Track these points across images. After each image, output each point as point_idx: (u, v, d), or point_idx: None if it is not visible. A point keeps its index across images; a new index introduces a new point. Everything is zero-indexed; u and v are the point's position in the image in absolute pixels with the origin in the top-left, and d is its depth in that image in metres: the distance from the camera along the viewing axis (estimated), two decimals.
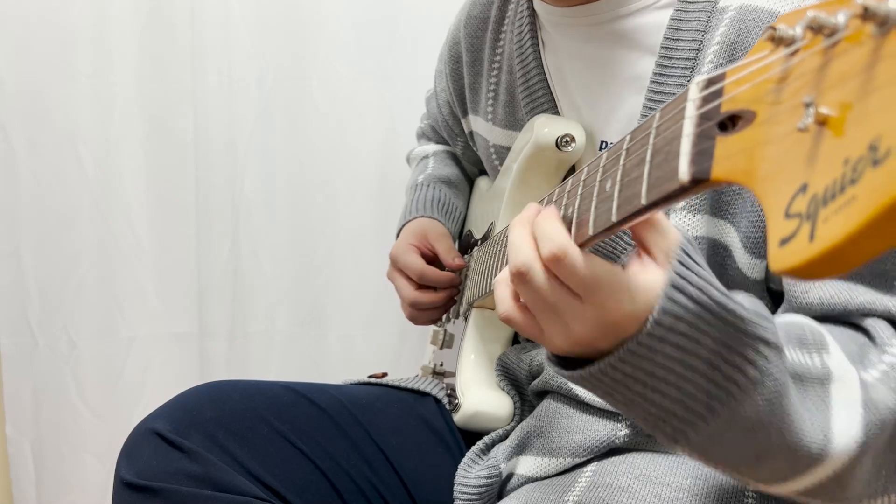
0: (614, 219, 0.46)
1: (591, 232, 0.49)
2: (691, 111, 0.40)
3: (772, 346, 0.50)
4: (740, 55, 0.69)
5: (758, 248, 0.69)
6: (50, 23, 1.38)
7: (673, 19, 0.73)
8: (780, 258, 0.32)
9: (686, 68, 0.72)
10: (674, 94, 0.72)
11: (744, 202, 0.69)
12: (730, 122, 0.38)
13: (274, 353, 1.51)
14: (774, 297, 0.73)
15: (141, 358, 1.48)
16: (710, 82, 0.40)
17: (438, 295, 0.99)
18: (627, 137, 0.48)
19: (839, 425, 0.54)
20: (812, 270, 0.31)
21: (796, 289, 0.65)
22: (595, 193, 0.50)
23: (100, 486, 1.47)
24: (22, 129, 1.41)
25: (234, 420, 0.83)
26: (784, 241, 0.32)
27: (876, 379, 0.58)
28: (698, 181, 0.39)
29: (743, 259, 0.70)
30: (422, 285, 1.00)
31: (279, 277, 1.49)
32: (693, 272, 0.48)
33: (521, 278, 0.51)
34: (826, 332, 0.60)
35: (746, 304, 0.50)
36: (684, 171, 0.39)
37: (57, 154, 1.42)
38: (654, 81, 0.74)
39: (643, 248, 0.50)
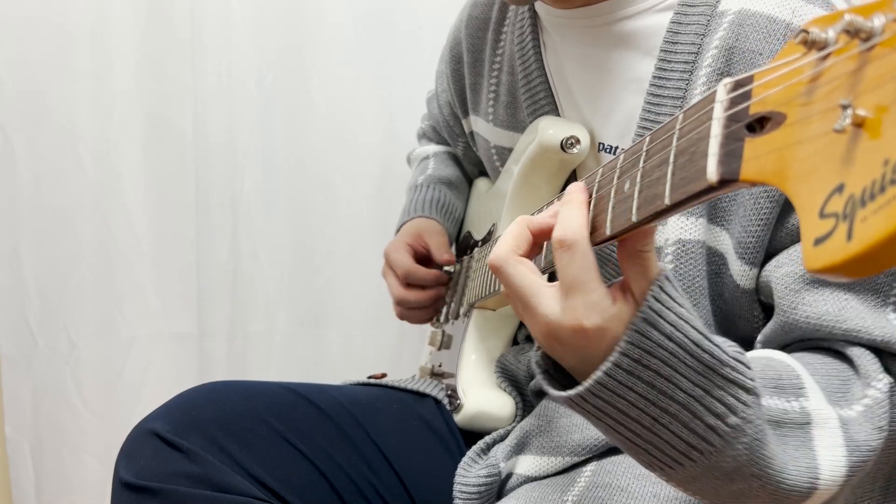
0: (634, 219, 0.46)
1: (608, 232, 0.49)
2: (719, 113, 0.40)
3: (751, 393, 0.50)
4: (738, 59, 0.70)
5: (749, 254, 0.69)
6: (50, 23, 1.38)
7: (673, 22, 0.74)
8: (816, 257, 0.32)
9: (685, 71, 0.72)
10: (673, 96, 0.73)
11: (737, 207, 0.70)
12: (758, 124, 0.39)
13: (274, 353, 1.51)
14: (766, 312, 0.73)
15: (141, 358, 1.48)
16: (739, 84, 0.40)
17: (425, 293, 1.00)
18: (647, 139, 0.48)
19: (826, 467, 0.55)
20: (849, 269, 0.31)
21: (786, 303, 0.66)
22: (612, 194, 0.50)
23: (99, 487, 1.47)
24: (22, 129, 1.41)
25: (233, 420, 0.83)
26: (819, 241, 0.32)
27: (859, 414, 0.59)
28: (726, 181, 0.39)
29: (735, 266, 0.71)
30: (410, 284, 1.00)
31: (279, 277, 1.49)
32: (668, 308, 0.48)
33: (493, 269, 0.53)
34: (804, 370, 0.60)
35: (726, 347, 0.50)
36: (713, 172, 0.39)
37: (57, 154, 1.42)
38: (653, 84, 0.74)
39: (626, 281, 0.50)
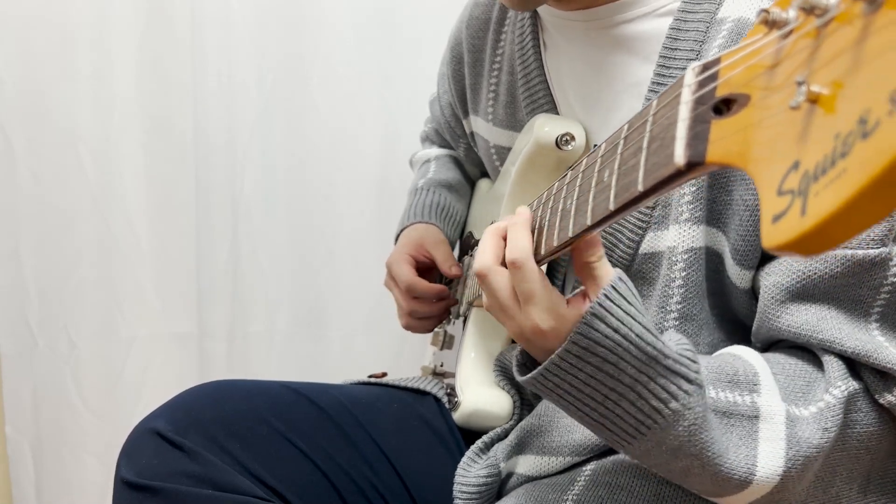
0: (612, 207, 0.47)
1: (588, 222, 0.50)
2: (687, 96, 0.40)
3: (693, 383, 0.58)
4: None
5: (744, 259, 0.70)
6: (50, 23, 1.38)
7: (672, 28, 0.74)
8: (773, 235, 0.32)
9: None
10: None
11: (733, 214, 0.70)
12: (724, 106, 0.38)
13: (274, 353, 1.51)
14: None
15: (141, 358, 1.48)
16: (706, 67, 0.40)
17: (433, 306, 1.00)
18: (625, 126, 0.48)
19: (764, 458, 0.61)
20: (804, 245, 0.31)
21: (770, 311, 0.68)
22: (594, 184, 0.50)
23: (100, 486, 1.47)
24: (22, 129, 1.41)
25: (234, 420, 0.83)
26: (776, 218, 0.32)
27: (811, 414, 0.63)
28: (694, 164, 0.39)
29: (732, 268, 0.71)
30: (414, 297, 1.00)
31: (279, 277, 1.49)
32: (618, 305, 0.56)
33: (479, 277, 0.62)
34: (765, 369, 0.65)
35: (674, 344, 0.58)
36: (679, 156, 0.39)
37: (57, 154, 1.42)
38: (651, 89, 0.75)
39: (585, 289, 0.59)
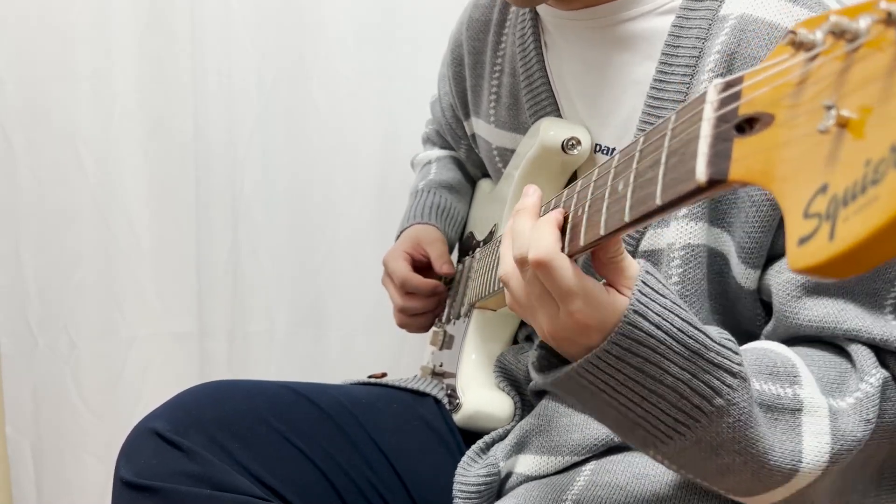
0: (627, 219, 0.47)
1: (601, 232, 0.50)
2: (709, 113, 0.40)
3: (737, 377, 0.54)
4: (739, 64, 0.70)
5: (750, 257, 0.70)
6: (50, 23, 1.38)
7: (674, 26, 0.74)
8: (800, 257, 0.32)
9: (686, 75, 0.73)
10: (673, 100, 0.73)
11: (738, 211, 0.70)
12: (747, 125, 0.39)
13: (274, 353, 1.51)
14: (768, 309, 0.73)
15: (141, 358, 1.48)
16: (728, 85, 0.40)
17: (425, 301, 1.01)
18: (641, 139, 0.48)
19: (809, 451, 0.59)
20: (831, 269, 0.31)
21: (787, 309, 0.67)
22: (607, 194, 0.50)
23: (99, 486, 1.47)
24: (22, 129, 1.41)
25: (233, 420, 0.83)
26: (803, 241, 0.32)
27: (849, 406, 0.61)
28: (715, 182, 0.39)
29: (737, 268, 0.71)
30: (408, 292, 1.00)
31: (279, 277, 1.49)
32: (654, 301, 0.53)
33: (521, 266, 0.56)
34: (800, 361, 0.63)
35: (714, 334, 0.55)
36: (701, 172, 0.39)
37: (57, 154, 1.42)
38: (653, 87, 0.74)
39: (610, 284, 0.55)
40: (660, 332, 0.52)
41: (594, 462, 0.76)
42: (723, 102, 0.40)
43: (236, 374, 1.49)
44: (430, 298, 1.01)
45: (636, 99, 0.77)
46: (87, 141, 1.42)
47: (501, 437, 0.86)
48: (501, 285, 0.78)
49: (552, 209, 0.58)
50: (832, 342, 0.67)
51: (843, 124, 0.32)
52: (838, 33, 0.33)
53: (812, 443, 0.59)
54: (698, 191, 0.40)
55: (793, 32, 0.36)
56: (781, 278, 0.68)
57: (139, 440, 0.80)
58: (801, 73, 0.35)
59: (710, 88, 0.41)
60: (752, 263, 0.70)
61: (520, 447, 0.82)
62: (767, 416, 0.58)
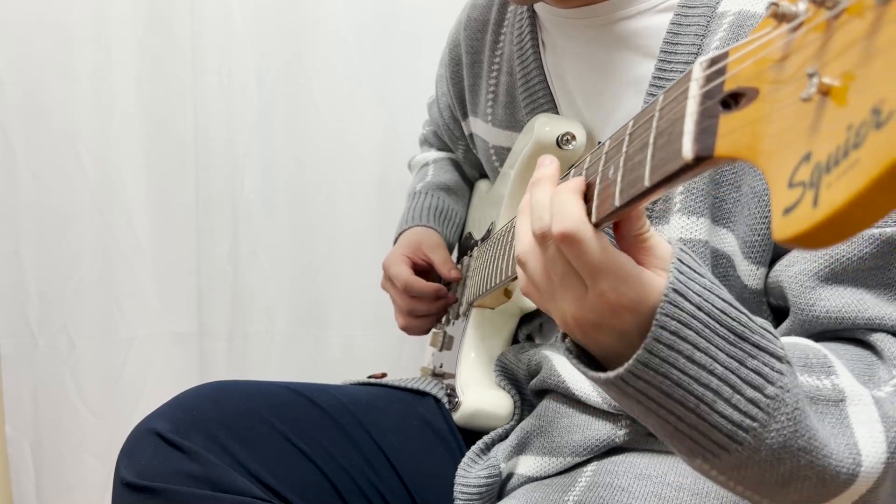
0: (617, 203, 0.46)
1: (594, 219, 0.48)
2: (694, 91, 0.40)
3: (783, 361, 0.49)
4: None
5: (755, 253, 0.69)
6: (50, 23, 1.38)
7: (673, 23, 0.74)
8: (785, 227, 0.32)
9: (685, 72, 0.72)
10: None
11: (742, 208, 0.70)
12: (733, 100, 0.38)
13: (274, 353, 1.51)
14: (775, 313, 0.73)
15: (141, 358, 1.48)
16: (714, 61, 0.40)
17: (430, 304, 1.00)
18: (630, 123, 0.48)
19: (866, 445, 0.53)
20: (817, 237, 0.30)
21: (802, 301, 0.65)
22: (598, 181, 0.49)
23: (100, 486, 1.47)
24: (22, 129, 1.41)
25: (234, 420, 0.83)
26: (788, 210, 0.32)
27: (888, 394, 0.58)
28: (702, 159, 0.39)
29: (742, 266, 0.71)
30: (412, 296, 1.00)
31: (279, 277, 1.49)
32: (692, 280, 0.48)
33: (542, 241, 0.50)
34: (829, 352, 0.60)
35: (752, 315, 0.50)
36: (688, 150, 0.39)
37: (57, 154, 1.42)
38: (652, 85, 0.74)
39: (640, 263, 0.49)
40: (702, 314, 0.47)
41: (595, 463, 0.76)
42: (708, 79, 0.40)
43: (236, 374, 1.49)
44: (433, 302, 1.01)
45: (636, 97, 0.77)
46: (87, 141, 1.42)
47: (502, 438, 0.86)
48: (500, 280, 0.78)
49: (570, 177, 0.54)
50: (852, 336, 0.65)
51: (825, 91, 0.32)
52: (819, 2, 0.33)
53: (865, 433, 0.54)
54: (686, 168, 0.39)
55: (775, 4, 0.35)
56: (792, 271, 0.67)
57: (140, 440, 0.80)
58: (783, 43, 0.35)
59: (696, 65, 0.41)
60: (757, 259, 0.69)
61: (521, 448, 0.82)
62: (812, 409, 0.53)
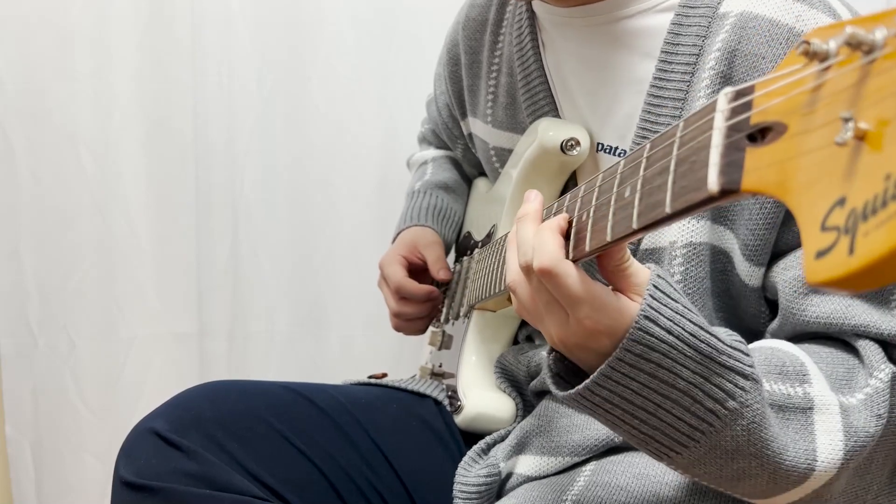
0: (635, 226, 0.47)
1: (608, 238, 0.50)
2: (720, 122, 0.40)
3: (749, 379, 0.54)
4: (740, 62, 0.70)
5: (755, 255, 0.69)
6: (50, 23, 1.38)
7: (674, 24, 0.74)
8: (818, 270, 0.32)
9: (686, 73, 0.72)
10: (674, 98, 0.73)
11: (742, 209, 0.70)
12: (759, 134, 0.38)
13: (274, 353, 1.51)
14: (772, 307, 0.73)
15: (141, 358, 1.48)
16: (739, 94, 0.40)
17: (419, 307, 1.01)
18: (647, 145, 0.48)
19: (823, 451, 0.59)
20: (851, 283, 0.31)
21: (794, 306, 0.67)
22: (613, 200, 0.50)
23: (99, 486, 1.47)
24: (22, 129, 1.41)
25: (233, 420, 0.83)
26: (821, 254, 0.32)
27: (860, 402, 0.62)
28: (727, 192, 0.39)
29: (742, 266, 0.71)
30: (403, 297, 1.00)
31: (279, 277, 1.49)
32: (665, 305, 0.52)
33: (527, 274, 0.56)
34: (808, 358, 0.63)
35: (724, 337, 0.54)
36: (713, 182, 0.39)
37: (57, 154, 1.42)
38: (653, 85, 0.74)
39: (620, 290, 0.54)
40: (671, 337, 0.52)
41: (594, 462, 0.76)
42: (734, 111, 0.40)
43: (236, 374, 1.49)
44: (424, 304, 1.01)
45: (636, 97, 0.76)
46: (87, 141, 1.42)
47: (502, 438, 0.86)
48: (502, 288, 0.78)
49: (554, 214, 0.58)
50: (839, 338, 0.67)
51: (860, 137, 0.32)
52: (854, 45, 0.33)
53: (825, 441, 0.59)
54: (710, 200, 0.40)
55: (806, 42, 0.35)
56: (787, 276, 0.68)
57: (139, 440, 0.80)
58: (814, 83, 0.35)
59: (721, 97, 0.41)
60: (756, 261, 0.70)
61: (520, 448, 0.82)
62: (779, 417, 0.58)
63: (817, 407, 0.60)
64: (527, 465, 0.80)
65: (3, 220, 1.44)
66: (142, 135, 1.43)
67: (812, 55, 0.35)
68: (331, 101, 1.44)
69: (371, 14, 1.41)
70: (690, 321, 0.53)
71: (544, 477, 0.78)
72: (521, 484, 0.79)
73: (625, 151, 0.79)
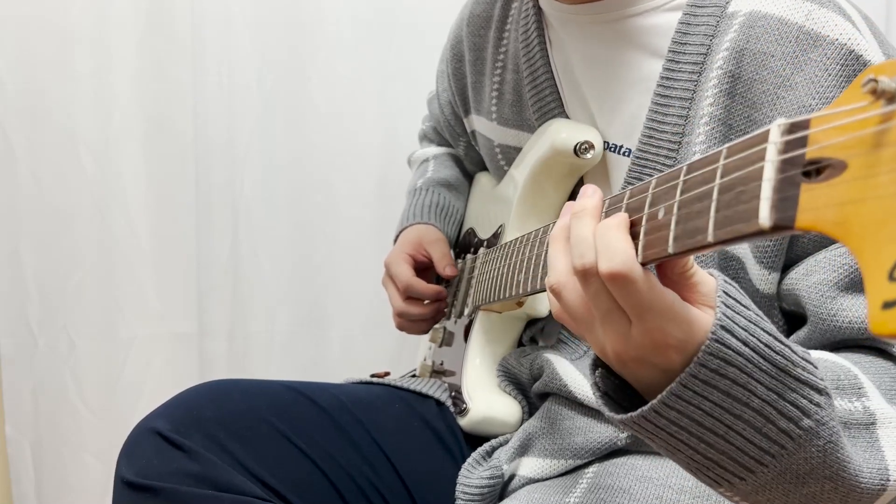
0: (671, 250, 0.45)
1: (640, 259, 0.47)
2: (772, 155, 0.39)
3: (823, 393, 0.49)
4: (749, 61, 0.69)
5: (767, 258, 0.68)
6: (50, 23, 1.38)
7: (682, 23, 0.73)
8: (886, 322, 0.31)
9: (693, 72, 0.72)
10: (681, 97, 0.72)
11: None
12: (814, 171, 0.37)
13: (274, 353, 1.51)
14: (787, 318, 0.72)
15: (141, 358, 1.48)
16: (794, 127, 0.39)
17: (426, 308, 1.00)
18: (684, 168, 0.46)
19: (894, 466, 0.54)
20: None
21: (823, 311, 0.65)
22: (644, 220, 0.48)
23: (100, 486, 1.47)
24: (22, 129, 1.41)
25: (234, 419, 0.82)
26: (889, 305, 0.31)
27: None
28: (779, 227, 0.38)
29: (755, 271, 0.70)
30: (410, 297, 1.00)
31: (279, 277, 1.49)
32: (738, 313, 0.47)
33: (584, 277, 0.49)
34: (857, 369, 0.59)
35: (795, 346, 0.49)
36: (765, 217, 0.38)
37: (57, 154, 1.42)
38: (660, 85, 0.74)
39: (686, 299, 0.49)
40: (747, 350, 0.47)
41: (597, 465, 0.76)
42: (788, 145, 0.38)
43: (236, 374, 1.49)
44: (431, 304, 1.01)
45: (643, 96, 0.76)
46: (87, 141, 1.42)
47: (506, 440, 0.86)
48: (513, 293, 0.77)
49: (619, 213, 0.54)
50: (874, 346, 0.64)
51: None
52: None
53: (894, 455, 0.55)
54: (759, 233, 0.39)
55: (874, 80, 0.34)
56: (811, 280, 0.66)
57: (140, 440, 0.80)
58: (882, 127, 0.34)
59: (773, 128, 0.40)
60: (769, 265, 0.69)
61: (523, 450, 0.82)
62: (846, 434, 0.53)
63: (880, 421, 0.56)
64: (530, 467, 0.80)
65: (3, 220, 1.44)
66: (142, 135, 1.43)
67: (880, 94, 0.34)
68: (331, 101, 1.44)
69: (371, 14, 1.41)
70: (765, 330, 0.48)
71: (547, 479, 0.78)
72: (523, 486, 0.79)
73: (630, 150, 0.79)
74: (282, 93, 1.44)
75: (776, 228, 0.38)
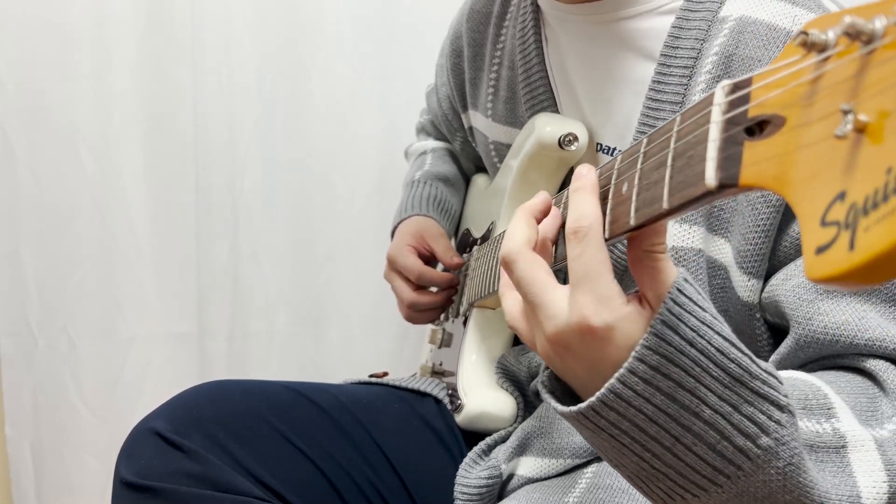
0: (632, 222, 0.45)
1: (606, 235, 0.48)
2: (717, 116, 0.39)
3: (784, 411, 0.45)
4: (737, 66, 0.70)
5: (749, 264, 0.68)
6: (50, 23, 1.38)
7: (674, 27, 0.74)
8: (817, 266, 0.31)
9: (684, 76, 0.72)
10: (672, 101, 0.73)
11: (737, 216, 0.69)
12: (757, 128, 0.37)
13: (274, 352, 1.51)
14: (772, 330, 0.71)
15: (141, 358, 1.48)
16: (737, 87, 0.39)
17: (437, 296, 1.00)
18: (644, 140, 0.47)
19: (868, 492, 0.52)
20: (852, 279, 0.30)
21: (800, 314, 0.63)
22: (611, 195, 0.49)
23: (99, 486, 1.47)
24: (22, 129, 1.41)
25: (234, 420, 0.83)
26: (821, 250, 0.31)
27: (892, 433, 0.56)
28: (725, 186, 0.38)
29: (737, 277, 0.69)
30: (420, 286, 1.00)
31: (279, 277, 1.49)
32: (689, 312, 0.44)
33: (505, 264, 0.50)
34: (830, 389, 0.57)
35: (755, 358, 0.46)
36: (711, 177, 0.38)
37: (57, 154, 1.42)
38: (652, 88, 0.74)
39: (641, 290, 0.47)
40: (693, 350, 0.44)
41: (596, 465, 0.76)
42: (731, 105, 0.39)
43: (236, 374, 1.49)
44: (442, 292, 1.00)
45: (635, 98, 0.76)
46: (87, 141, 1.42)
47: (503, 439, 0.86)
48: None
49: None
50: (850, 364, 0.62)
51: (860, 129, 0.31)
52: (853, 34, 0.32)
53: (867, 481, 0.52)
54: (707, 195, 0.39)
55: (804, 33, 0.34)
56: (790, 284, 0.65)
57: (139, 440, 0.80)
58: (813, 75, 0.34)
59: (718, 90, 0.40)
60: (750, 271, 0.68)
61: (521, 449, 0.82)
62: (812, 458, 0.51)
63: (850, 444, 0.53)
64: (528, 466, 0.80)
65: (3, 220, 1.44)
66: (142, 134, 1.43)
67: (810, 46, 0.34)
68: (331, 100, 1.44)
69: (371, 13, 1.41)
70: (719, 334, 0.44)
71: (546, 479, 0.78)
72: (522, 485, 0.79)
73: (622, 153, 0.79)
74: (282, 93, 1.44)
75: (721, 187, 0.38)
